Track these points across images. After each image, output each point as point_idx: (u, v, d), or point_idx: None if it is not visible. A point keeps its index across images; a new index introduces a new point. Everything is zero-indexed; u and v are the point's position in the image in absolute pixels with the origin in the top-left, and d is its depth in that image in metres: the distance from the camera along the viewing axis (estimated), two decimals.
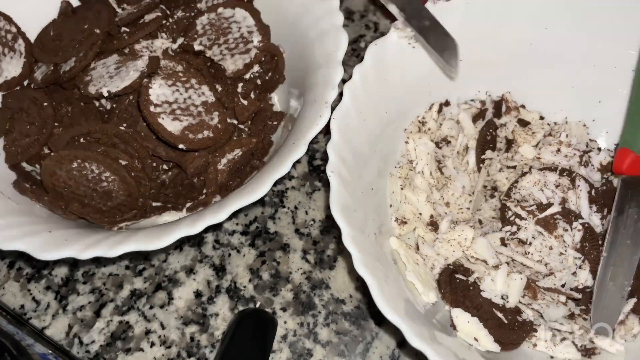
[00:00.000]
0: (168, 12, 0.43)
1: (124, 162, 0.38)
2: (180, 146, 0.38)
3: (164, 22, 0.43)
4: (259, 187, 0.33)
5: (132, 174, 0.38)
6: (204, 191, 0.41)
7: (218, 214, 0.32)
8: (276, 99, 0.44)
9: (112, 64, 0.40)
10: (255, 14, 0.43)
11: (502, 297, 0.35)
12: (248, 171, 0.41)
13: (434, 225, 0.39)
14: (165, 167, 0.40)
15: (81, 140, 0.38)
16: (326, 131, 0.47)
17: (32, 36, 0.44)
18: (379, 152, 0.38)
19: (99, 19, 0.41)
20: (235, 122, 0.42)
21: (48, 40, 0.43)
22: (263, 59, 0.43)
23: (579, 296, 0.35)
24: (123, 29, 0.42)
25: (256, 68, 0.43)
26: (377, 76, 0.36)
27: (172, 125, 0.38)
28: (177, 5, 0.44)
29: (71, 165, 0.38)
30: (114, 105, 0.40)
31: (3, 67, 0.42)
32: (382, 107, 0.37)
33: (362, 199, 0.35)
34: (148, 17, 0.43)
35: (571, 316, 0.36)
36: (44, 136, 0.39)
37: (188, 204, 0.41)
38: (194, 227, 0.32)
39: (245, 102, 0.42)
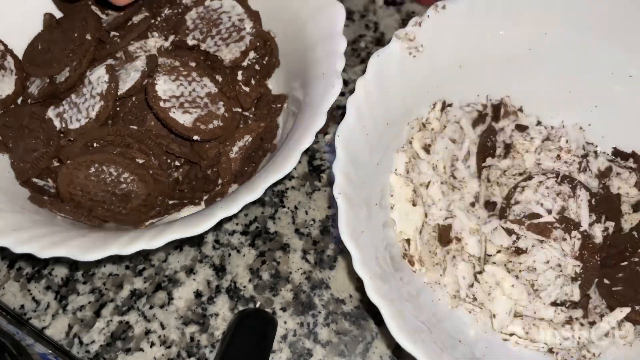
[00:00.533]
0: (154, 12, 0.43)
1: (140, 161, 0.38)
2: (195, 137, 0.38)
3: (153, 21, 0.43)
4: (288, 160, 0.33)
5: (150, 171, 0.38)
6: (219, 182, 0.41)
7: (253, 192, 0.32)
8: (273, 83, 0.44)
9: None
10: (242, 1, 0.43)
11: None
12: (260, 155, 0.41)
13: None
14: (177, 163, 0.40)
15: (94, 145, 0.38)
16: (325, 131, 0.46)
17: (19, 52, 0.43)
18: (377, 163, 0.38)
19: (87, 26, 0.41)
20: (240, 109, 0.42)
21: (37, 53, 0.42)
22: (258, 44, 0.43)
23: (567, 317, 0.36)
24: (113, 33, 0.42)
25: (252, 54, 0.43)
26: (379, 88, 0.36)
27: (183, 118, 0.38)
28: (161, 4, 0.43)
29: (88, 170, 0.37)
30: (118, 109, 0.39)
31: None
32: (383, 119, 0.37)
33: (367, 217, 0.35)
34: (136, 19, 0.42)
35: (569, 322, 0.36)
36: (52, 148, 0.39)
37: (205, 197, 0.41)
38: (232, 208, 0.32)
39: (247, 89, 0.42)
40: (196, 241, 0.43)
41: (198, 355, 0.39)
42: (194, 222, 0.33)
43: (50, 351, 0.39)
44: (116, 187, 0.38)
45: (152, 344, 0.39)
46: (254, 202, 0.44)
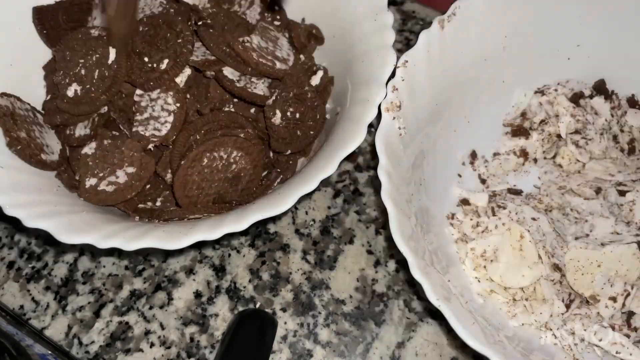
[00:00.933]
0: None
1: (242, 135, 0.38)
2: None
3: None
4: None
5: (253, 142, 0.38)
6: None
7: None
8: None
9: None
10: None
11: None
12: (309, 125, 0.40)
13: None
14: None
15: (197, 137, 0.38)
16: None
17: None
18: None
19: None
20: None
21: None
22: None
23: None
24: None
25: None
26: (393, 165, 0.36)
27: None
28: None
29: (202, 164, 0.37)
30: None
31: (49, 143, 0.40)
32: (408, 196, 0.37)
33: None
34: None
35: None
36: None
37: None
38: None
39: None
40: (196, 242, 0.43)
41: (198, 355, 0.39)
42: (274, 201, 0.33)
43: (49, 352, 0.39)
44: (227, 171, 0.38)
45: (152, 345, 0.39)
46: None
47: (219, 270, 0.42)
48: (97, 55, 0.39)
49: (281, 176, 0.41)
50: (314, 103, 0.40)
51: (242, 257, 0.42)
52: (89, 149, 0.39)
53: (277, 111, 0.38)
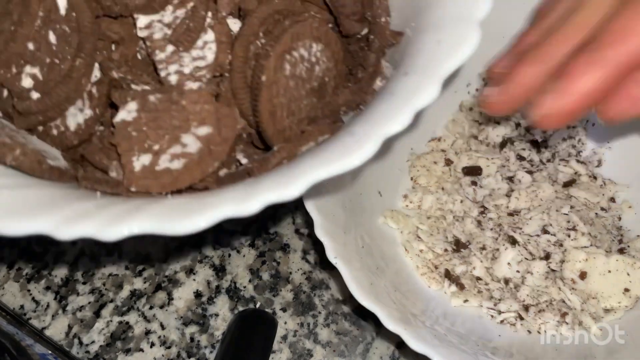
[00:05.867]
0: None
1: (315, 24, 0.27)
2: None
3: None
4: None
5: (330, 25, 0.29)
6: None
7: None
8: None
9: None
10: None
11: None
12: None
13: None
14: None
15: (259, 42, 0.27)
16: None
17: None
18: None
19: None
20: None
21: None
22: None
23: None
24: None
25: None
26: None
27: None
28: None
29: (284, 73, 0.26)
30: None
31: (43, 148, 0.26)
32: None
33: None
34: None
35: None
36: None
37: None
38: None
39: None
40: (196, 241, 0.43)
41: (198, 355, 0.39)
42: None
43: (50, 351, 0.38)
44: (311, 79, 0.27)
45: (152, 345, 0.39)
46: None
47: (219, 270, 0.42)
48: (42, 14, 0.25)
49: (365, 82, 0.29)
50: None
51: (242, 257, 0.42)
52: (126, 113, 0.25)
53: None
